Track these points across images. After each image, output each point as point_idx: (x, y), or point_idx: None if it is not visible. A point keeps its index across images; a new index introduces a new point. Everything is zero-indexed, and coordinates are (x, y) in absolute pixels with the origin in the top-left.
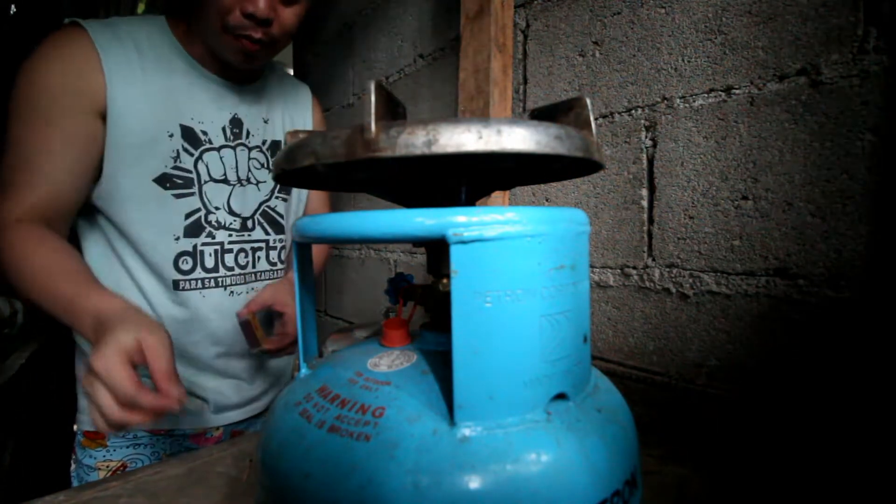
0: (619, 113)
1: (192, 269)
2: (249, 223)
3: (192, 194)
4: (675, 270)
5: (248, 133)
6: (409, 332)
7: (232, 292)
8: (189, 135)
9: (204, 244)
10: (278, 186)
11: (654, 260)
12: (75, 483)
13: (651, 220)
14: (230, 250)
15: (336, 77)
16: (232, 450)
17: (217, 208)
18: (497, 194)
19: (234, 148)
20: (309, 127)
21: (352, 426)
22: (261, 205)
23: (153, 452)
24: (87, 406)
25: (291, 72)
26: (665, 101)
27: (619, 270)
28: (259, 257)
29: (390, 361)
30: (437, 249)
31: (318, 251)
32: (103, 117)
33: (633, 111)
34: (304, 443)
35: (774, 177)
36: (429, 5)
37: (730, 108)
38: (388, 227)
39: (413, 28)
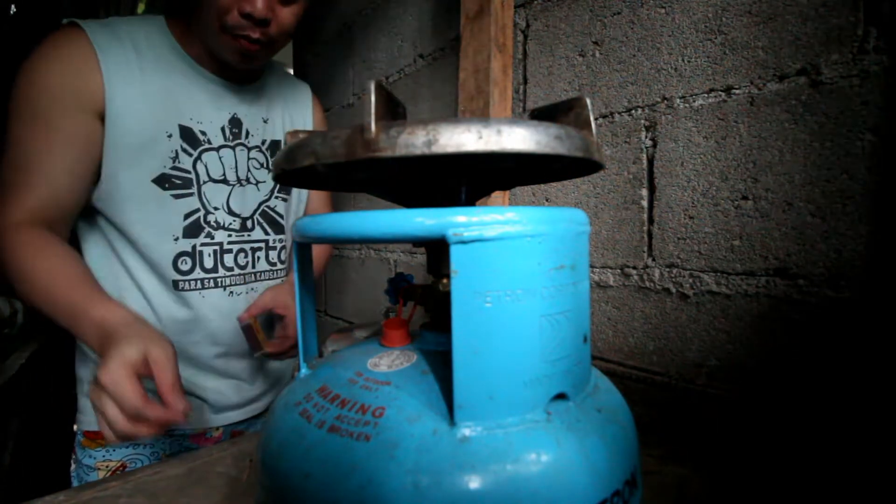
0: (619, 113)
1: (192, 270)
2: (249, 223)
3: (190, 195)
4: (675, 270)
5: (247, 133)
6: (409, 332)
7: (231, 292)
8: (188, 135)
9: (203, 244)
10: (278, 186)
11: (654, 260)
12: (75, 483)
13: (651, 220)
14: (229, 250)
15: (336, 77)
16: (232, 450)
17: (216, 208)
18: (497, 194)
19: (233, 148)
20: (309, 126)
21: (352, 426)
22: (260, 205)
23: (153, 452)
24: (96, 416)
25: (291, 72)
26: (665, 101)
27: (619, 270)
28: (259, 257)
29: (390, 361)
30: (437, 249)
31: (319, 252)
32: (102, 118)
33: (633, 111)
34: (304, 443)
35: (774, 177)
36: (429, 5)
37: (730, 108)
38: (388, 227)
39: (413, 28)
